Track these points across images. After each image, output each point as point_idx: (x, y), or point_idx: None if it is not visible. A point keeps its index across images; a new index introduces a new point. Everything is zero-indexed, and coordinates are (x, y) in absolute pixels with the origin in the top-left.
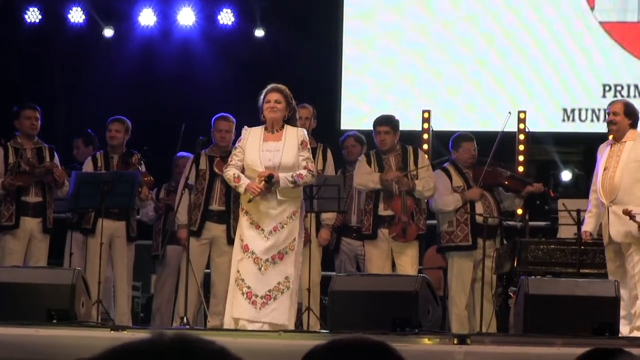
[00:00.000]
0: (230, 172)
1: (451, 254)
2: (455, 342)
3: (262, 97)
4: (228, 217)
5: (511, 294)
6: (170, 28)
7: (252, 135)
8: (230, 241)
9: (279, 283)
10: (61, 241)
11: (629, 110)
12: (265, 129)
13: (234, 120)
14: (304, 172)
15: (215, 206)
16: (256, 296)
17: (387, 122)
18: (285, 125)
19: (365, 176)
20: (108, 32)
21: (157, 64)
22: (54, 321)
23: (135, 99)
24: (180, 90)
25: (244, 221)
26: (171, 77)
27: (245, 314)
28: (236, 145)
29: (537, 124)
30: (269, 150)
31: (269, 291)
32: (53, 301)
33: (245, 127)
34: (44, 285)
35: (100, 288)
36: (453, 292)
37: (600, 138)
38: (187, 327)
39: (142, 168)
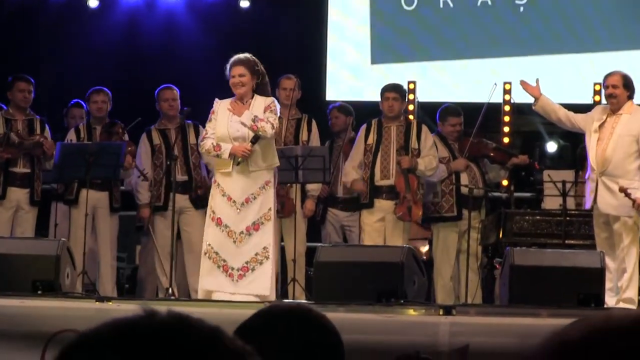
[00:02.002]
0: (208, 143)
1: (436, 225)
2: (440, 313)
3: (227, 70)
4: (191, 185)
5: (496, 265)
6: None
7: (221, 108)
8: (197, 206)
9: (256, 254)
10: (46, 212)
11: (627, 81)
12: (235, 100)
13: (178, 90)
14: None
15: (178, 176)
16: (232, 269)
17: (395, 89)
18: (255, 95)
19: (348, 170)
20: (93, 3)
21: (142, 35)
22: (39, 292)
23: (120, 70)
24: (164, 61)
25: (216, 192)
26: (156, 48)
27: (222, 287)
28: (210, 117)
29: (523, 95)
30: (237, 121)
31: (247, 263)
32: (38, 272)
33: (216, 99)
34: (29, 256)
35: (84, 259)
36: (438, 263)
37: (586, 109)
38: (173, 298)
39: (126, 137)
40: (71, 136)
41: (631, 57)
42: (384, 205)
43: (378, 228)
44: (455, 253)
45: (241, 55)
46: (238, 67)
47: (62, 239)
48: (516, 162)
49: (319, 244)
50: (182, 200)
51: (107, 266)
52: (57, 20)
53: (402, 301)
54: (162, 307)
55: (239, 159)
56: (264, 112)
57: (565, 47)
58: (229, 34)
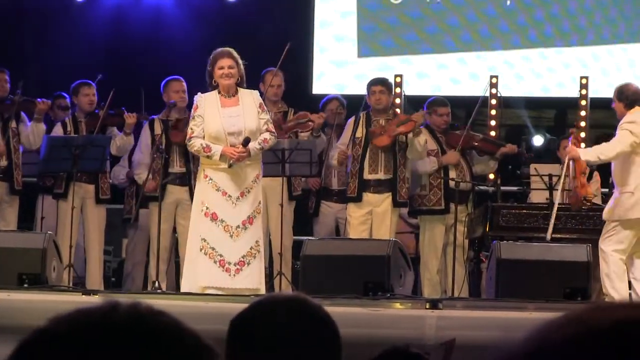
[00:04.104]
0: (197, 143)
1: (423, 218)
2: (427, 306)
3: (211, 63)
4: (189, 178)
5: (483, 258)
6: None
7: (208, 102)
8: None
9: (251, 248)
10: (32, 205)
11: (619, 93)
12: (219, 93)
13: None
14: (267, 135)
15: (176, 168)
16: (229, 263)
17: (382, 83)
18: (238, 88)
19: (334, 151)
20: None
21: (128, 28)
22: (25, 285)
23: (107, 63)
24: (151, 54)
25: (208, 187)
26: (143, 40)
27: (219, 282)
28: (193, 114)
29: (509, 89)
30: (230, 115)
31: (243, 257)
32: (24, 265)
33: (199, 93)
34: (15, 249)
35: (71, 252)
36: (425, 257)
37: (571, 103)
38: (159, 291)
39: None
40: (57, 130)
41: (617, 50)
42: (371, 199)
43: (364, 221)
44: (442, 246)
45: (227, 48)
46: (227, 59)
47: (49, 232)
48: (505, 151)
49: (305, 237)
50: (179, 193)
51: (95, 259)
52: (44, 13)
53: (388, 295)
54: (148, 301)
55: (230, 161)
56: (259, 111)
57: (551, 41)
58: (215, 27)
